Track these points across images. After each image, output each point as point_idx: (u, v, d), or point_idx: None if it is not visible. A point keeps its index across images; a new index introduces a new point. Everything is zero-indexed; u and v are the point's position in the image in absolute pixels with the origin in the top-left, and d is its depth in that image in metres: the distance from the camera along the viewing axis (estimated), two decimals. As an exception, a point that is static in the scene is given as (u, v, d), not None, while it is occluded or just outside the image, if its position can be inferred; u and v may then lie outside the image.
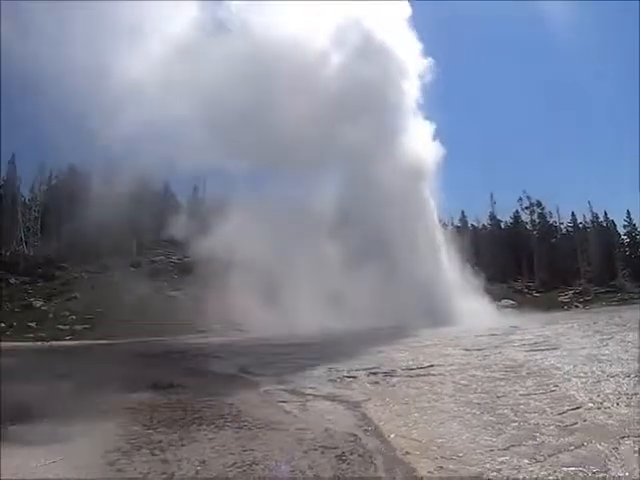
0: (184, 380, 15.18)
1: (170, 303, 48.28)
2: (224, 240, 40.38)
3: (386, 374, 15.63)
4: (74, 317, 46.46)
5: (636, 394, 11.58)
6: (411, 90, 50.72)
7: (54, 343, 34.96)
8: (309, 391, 13.79)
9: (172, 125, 50.19)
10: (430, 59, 52.99)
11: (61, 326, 44.03)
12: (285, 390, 14.16)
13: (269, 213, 43.80)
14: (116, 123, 49.70)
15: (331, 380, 15.23)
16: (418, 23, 55.62)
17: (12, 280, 55.67)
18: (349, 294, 38.88)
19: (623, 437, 8.65)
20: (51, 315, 47.42)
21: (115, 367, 21.01)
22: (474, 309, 38.25)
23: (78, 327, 43.63)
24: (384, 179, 44.15)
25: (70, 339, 39.01)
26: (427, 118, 50.25)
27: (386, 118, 47.32)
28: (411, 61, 51.07)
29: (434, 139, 48.81)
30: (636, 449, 8.07)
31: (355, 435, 9.42)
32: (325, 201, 46.11)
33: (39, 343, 34.79)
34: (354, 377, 15.43)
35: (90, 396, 13.36)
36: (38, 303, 50.36)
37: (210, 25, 52.85)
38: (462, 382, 13.78)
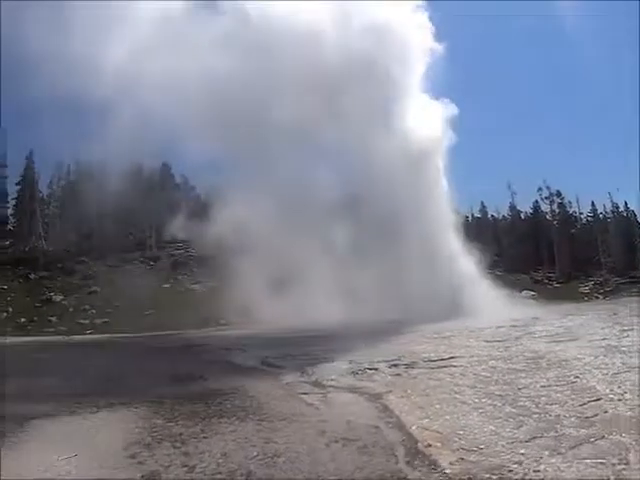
0: (205, 373, 15.25)
1: (190, 296, 48.39)
2: (238, 231, 40.40)
3: (407, 366, 15.64)
4: (94, 311, 46.71)
5: (657, 385, 11.55)
6: (416, 66, 50.05)
7: (75, 337, 35.16)
8: (330, 383, 13.83)
9: (174, 112, 49.75)
10: (440, 42, 52.15)
11: (81, 320, 44.29)
12: (306, 382, 14.22)
13: (278, 200, 43.58)
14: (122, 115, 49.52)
15: (352, 372, 15.21)
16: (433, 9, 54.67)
17: (32, 275, 55.88)
18: (363, 284, 38.63)
19: (645, 428, 8.65)
20: (71, 309, 47.65)
21: (136, 360, 21.23)
22: (494, 300, 38.02)
23: (98, 321, 43.89)
24: (387, 156, 43.94)
25: (90, 333, 39.22)
26: (436, 98, 49.73)
27: (386, 92, 46.88)
28: (417, 37, 50.41)
29: (450, 125, 48.09)
30: (658, 441, 8.06)
31: (377, 427, 9.44)
32: (330, 183, 46.09)
33: (60, 337, 34.98)
34: (375, 369, 15.40)
35: (112, 389, 13.49)
36: (58, 297, 50.57)
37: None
38: (483, 374, 13.77)
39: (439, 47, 51.66)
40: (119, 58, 50.45)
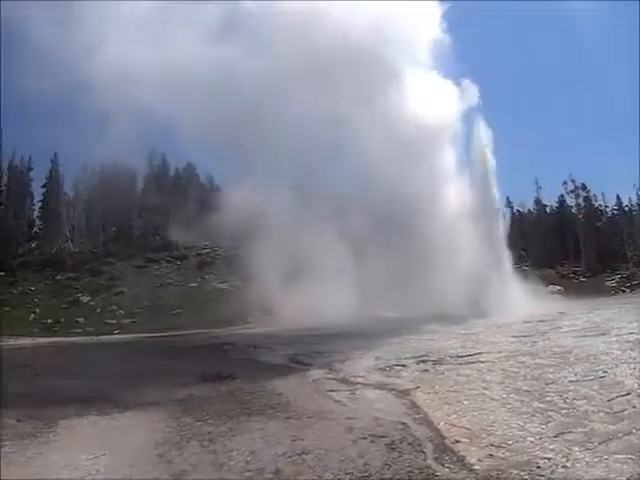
0: (233, 371, 15.23)
1: (217, 295, 48.50)
2: (259, 229, 40.50)
3: (435, 362, 15.63)
4: (122, 311, 46.98)
5: (686, 380, 11.52)
6: (420, 46, 50.04)
7: (102, 337, 35.38)
8: (358, 380, 13.85)
9: (186, 111, 49.95)
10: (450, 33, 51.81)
11: (108, 320, 44.55)
12: (334, 379, 14.30)
13: (294, 196, 43.62)
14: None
15: (379, 368, 15.25)
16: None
17: (59, 277, 56.28)
18: (383, 280, 38.29)
19: (673, 424, 8.64)
20: (98, 310, 47.96)
21: (164, 360, 21.31)
22: (520, 295, 37.83)
23: (126, 321, 44.14)
24: (398, 135, 43.82)
25: (118, 333, 39.43)
26: (447, 77, 49.37)
27: (384, 68, 46.77)
28: (421, 16, 49.92)
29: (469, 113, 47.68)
30: (686, 436, 8.05)
31: (404, 423, 9.47)
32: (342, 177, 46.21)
33: (87, 337, 35.21)
34: (402, 365, 15.43)
35: (141, 388, 13.59)
36: (85, 298, 50.92)
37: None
38: (510, 369, 13.76)
39: (448, 38, 51.43)
40: (128, 58, 50.71)
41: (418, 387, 12.41)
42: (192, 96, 49.26)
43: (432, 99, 46.49)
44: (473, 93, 47.55)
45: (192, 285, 54.10)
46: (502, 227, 44.01)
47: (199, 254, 63.19)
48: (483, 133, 45.46)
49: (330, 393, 12.49)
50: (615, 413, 9.36)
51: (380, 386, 12.93)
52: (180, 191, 68.49)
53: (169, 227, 60.13)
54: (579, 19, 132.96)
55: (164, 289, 52.47)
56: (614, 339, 17.90)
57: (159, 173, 76.14)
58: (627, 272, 63.75)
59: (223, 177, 68.90)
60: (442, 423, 9.38)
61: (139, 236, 66.48)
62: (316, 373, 15.30)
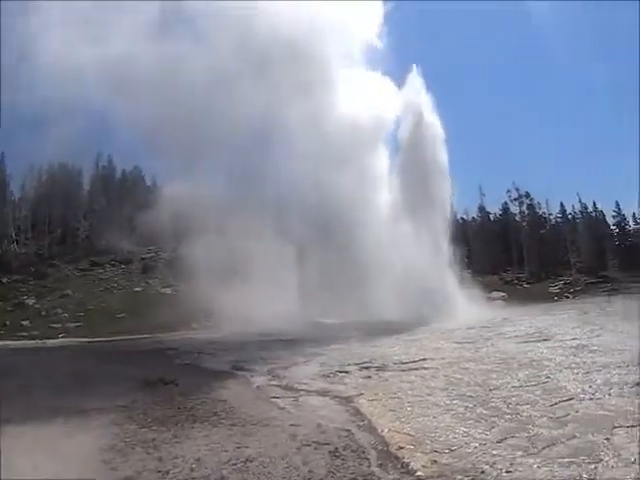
0: (177, 377, 15.15)
1: (161, 299, 48.12)
2: (199, 231, 40.29)
3: (378, 368, 15.71)
4: (66, 315, 46.32)
5: (627, 384, 11.69)
6: (357, 46, 50.59)
7: (48, 341, 34.99)
8: (302, 386, 13.84)
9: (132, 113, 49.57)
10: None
11: (54, 324, 43.93)
12: (278, 386, 14.26)
13: (238, 203, 43.32)
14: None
15: (323, 375, 15.26)
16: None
17: (4, 279, 55.50)
18: (325, 286, 37.96)
19: (615, 427, 8.74)
20: (44, 313, 47.27)
21: (109, 365, 21.08)
22: (464, 301, 38.06)
23: (71, 325, 43.50)
24: (331, 136, 43.98)
25: (63, 337, 38.94)
26: (386, 74, 49.65)
27: (311, 70, 46.68)
28: (359, 17, 50.59)
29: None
30: (628, 439, 8.13)
31: (348, 430, 9.46)
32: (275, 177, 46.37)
33: (32, 341, 34.78)
34: (346, 372, 15.49)
35: (85, 394, 13.40)
36: (31, 301, 50.16)
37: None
38: (454, 375, 13.84)
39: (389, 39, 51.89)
40: (69, 56, 50.23)
41: (362, 394, 12.43)
42: (133, 95, 48.75)
43: (367, 100, 46.78)
44: (418, 85, 48.06)
45: (136, 289, 53.65)
46: (447, 230, 44.25)
47: (143, 258, 62.65)
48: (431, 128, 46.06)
49: (274, 400, 12.45)
50: (558, 418, 9.47)
51: (324, 393, 12.95)
52: (126, 193, 67.95)
53: (114, 230, 59.69)
54: (529, 24, 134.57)
55: (109, 293, 52.00)
56: (557, 345, 18.17)
57: (105, 175, 75.48)
58: (570, 278, 64.49)
59: (166, 179, 68.36)
60: (386, 430, 9.38)
61: (84, 238, 65.86)
62: (260, 379, 15.25)
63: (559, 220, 79.90)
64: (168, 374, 15.59)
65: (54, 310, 47.10)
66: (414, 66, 49.26)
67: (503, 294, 54.33)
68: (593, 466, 7.04)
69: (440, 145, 45.87)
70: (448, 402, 11.03)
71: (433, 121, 46.75)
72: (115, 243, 60.15)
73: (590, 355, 15.48)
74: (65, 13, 52.63)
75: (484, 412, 10.04)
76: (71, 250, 62.78)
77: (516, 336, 21.66)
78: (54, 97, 51.02)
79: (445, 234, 43.63)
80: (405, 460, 7.74)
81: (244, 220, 40.97)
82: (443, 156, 45.88)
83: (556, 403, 10.42)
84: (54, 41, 50.69)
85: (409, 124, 47.38)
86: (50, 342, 34.84)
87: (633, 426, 8.76)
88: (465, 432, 8.90)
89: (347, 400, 11.93)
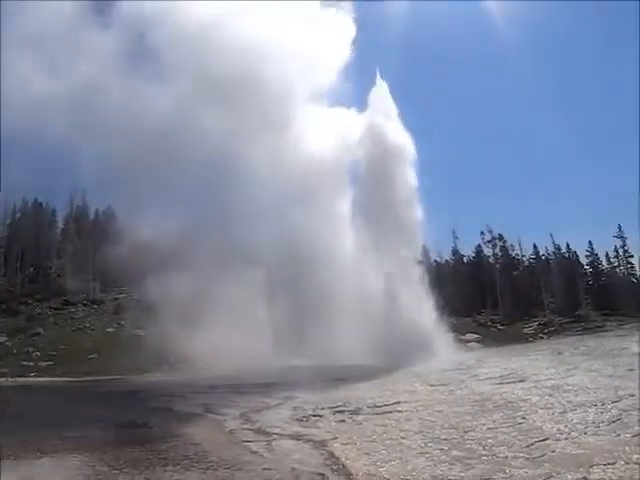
0: (149, 419, 14.97)
1: (133, 341, 47.78)
2: (173, 277, 40.03)
3: (352, 412, 15.55)
4: (38, 353, 45.94)
5: (603, 422, 11.71)
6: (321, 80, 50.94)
7: (18, 379, 34.63)
8: (275, 430, 13.63)
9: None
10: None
11: (25, 362, 43.53)
12: (250, 429, 14.04)
13: (203, 248, 43.22)
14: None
15: (296, 419, 15.09)
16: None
17: (-24, 316, 55.19)
18: (298, 329, 37.95)
19: (592, 466, 8.74)
20: (15, 351, 46.85)
21: (80, 405, 20.86)
22: (438, 343, 38.03)
23: (42, 364, 43.11)
24: (293, 173, 44.19)
25: (34, 376, 38.58)
26: (343, 104, 50.25)
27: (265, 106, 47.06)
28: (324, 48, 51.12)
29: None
30: (606, 477, 8.10)
31: (322, 474, 9.33)
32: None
33: (2, 379, 34.39)
34: (320, 415, 15.31)
35: (57, 434, 13.19)
36: (2, 339, 49.76)
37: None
38: (429, 418, 13.77)
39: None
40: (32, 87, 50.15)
41: (336, 437, 12.28)
42: (95, 130, 48.78)
43: (332, 137, 46.99)
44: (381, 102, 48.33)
45: (108, 330, 53.32)
46: (423, 275, 44.37)
47: (116, 298, 62.44)
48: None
49: (247, 444, 12.25)
50: (534, 458, 9.43)
51: (297, 436, 12.76)
52: (99, 233, 67.75)
53: (87, 269, 59.32)
54: (505, 70, 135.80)
55: (81, 333, 51.72)
56: (532, 385, 18.18)
57: (79, 214, 75.29)
58: (544, 319, 64.70)
59: (135, 218, 67.87)
60: (361, 473, 9.27)
61: (57, 277, 65.50)
62: (232, 423, 15.04)
63: (532, 261, 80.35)
64: (140, 416, 15.43)
65: (25, 348, 46.75)
66: (377, 79, 49.85)
67: (477, 336, 54.47)
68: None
69: (405, 166, 46.11)
70: (423, 445, 10.92)
71: (398, 141, 47.00)
72: (87, 283, 59.88)
73: (565, 395, 15.50)
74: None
75: (459, 454, 9.96)
76: (43, 288, 62.42)
77: (490, 378, 21.64)
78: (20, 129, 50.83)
79: (414, 265, 43.85)
80: (380, 504, 7.65)
81: (213, 260, 40.89)
82: (410, 178, 46.09)
83: (532, 443, 10.38)
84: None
85: (370, 145, 47.75)
86: (21, 380, 34.47)
87: (610, 464, 8.75)
88: (441, 475, 8.82)
89: (321, 444, 11.75)
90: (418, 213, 46.00)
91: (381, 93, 50.65)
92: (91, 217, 76.61)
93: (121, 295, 63.00)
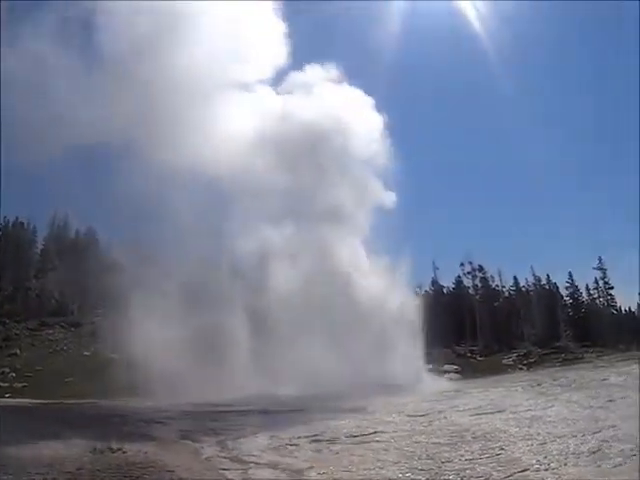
0: (124, 445, 14.72)
1: (110, 364, 47.47)
2: (153, 300, 39.84)
3: (329, 441, 15.44)
4: (14, 375, 45.60)
5: (583, 453, 11.67)
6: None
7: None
8: (251, 459, 13.50)
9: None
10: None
11: (0, 383, 43.21)
12: (227, 457, 13.89)
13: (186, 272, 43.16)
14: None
15: (273, 448, 14.93)
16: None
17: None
18: (280, 358, 37.78)
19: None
20: (-10, 372, 46.53)
21: (55, 429, 20.55)
22: (417, 375, 38.01)
23: (18, 385, 42.79)
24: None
25: (9, 397, 38.27)
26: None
27: None
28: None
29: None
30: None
31: (298, 504, 9.22)
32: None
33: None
34: (296, 445, 15.16)
35: (30, 459, 12.98)
36: (-22, 359, 49.53)
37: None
38: (406, 448, 13.66)
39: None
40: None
41: (312, 467, 12.14)
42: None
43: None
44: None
45: (85, 353, 53.00)
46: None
47: (93, 322, 62.16)
48: None
49: (223, 472, 12.14)
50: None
51: (274, 465, 12.62)
52: (79, 254, 67.42)
53: (66, 291, 59.05)
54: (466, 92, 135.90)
55: (57, 355, 51.44)
56: (511, 416, 18.14)
57: (59, 234, 75.00)
58: (524, 350, 64.76)
59: (114, 240, 67.58)
60: (336, 504, 9.16)
61: (35, 298, 65.15)
62: (209, 450, 14.89)
63: (512, 292, 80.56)
64: (115, 441, 15.21)
65: (1, 369, 46.39)
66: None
67: (456, 367, 54.42)
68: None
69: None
70: (400, 475, 10.84)
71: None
72: (66, 304, 59.61)
73: (544, 426, 15.50)
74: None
75: (437, 486, 9.87)
76: (21, 309, 62.05)
77: (469, 408, 21.57)
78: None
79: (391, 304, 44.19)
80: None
81: (193, 284, 40.82)
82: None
83: (511, 475, 10.34)
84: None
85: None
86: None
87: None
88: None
89: (297, 473, 11.67)
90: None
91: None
92: (72, 237, 76.35)
93: (98, 317, 62.79)
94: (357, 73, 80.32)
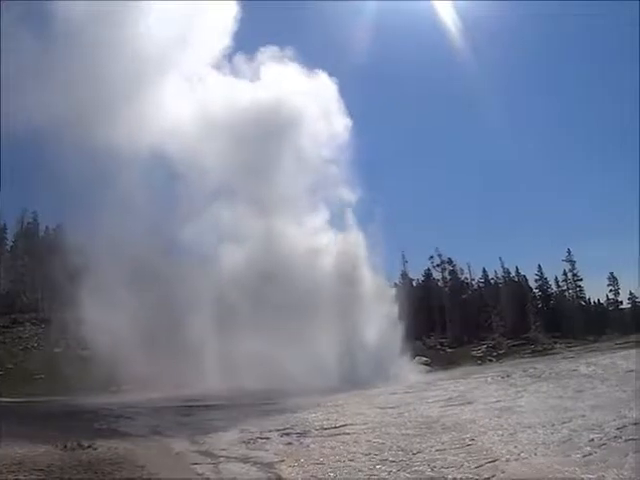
0: (95, 441, 14.60)
1: (81, 361, 47.21)
2: (126, 296, 39.61)
3: (299, 434, 15.47)
4: (-17, 373, 45.27)
5: (553, 442, 11.74)
6: None
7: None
8: (222, 453, 13.47)
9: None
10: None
11: (-31, 382, 42.87)
12: (197, 452, 13.85)
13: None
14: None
15: (243, 441, 14.91)
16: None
17: None
18: (251, 353, 37.40)
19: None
20: (-41, 370, 46.12)
21: (25, 426, 20.41)
22: (386, 367, 37.96)
23: (-13, 383, 42.49)
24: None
25: (-22, 395, 38.01)
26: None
27: None
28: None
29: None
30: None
31: (269, 497, 9.20)
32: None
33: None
34: (267, 438, 15.17)
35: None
36: (-54, 357, 49.08)
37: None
38: (377, 440, 13.68)
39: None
40: None
41: (283, 460, 12.17)
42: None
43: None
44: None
45: (56, 350, 52.60)
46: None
47: (63, 318, 61.77)
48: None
49: (194, 466, 12.11)
50: (484, 479, 9.36)
51: (244, 459, 12.62)
52: (49, 251, 67.00)
53: (36, 288, 58.60)
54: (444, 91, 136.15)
55: (28, 352, 51.00)
56: (480, 407, 18.22)
57: (29, 231, 74.35)
58: (493, 342, 65.07)
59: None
60: (308, 496, 9.15)
61: (5, 295, 64.59)
62: (179, 445, 14.84)
63: (482, 285, 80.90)
64: (85, 438, 15.10)
65: (-30, 367, 46.03)
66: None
67: (426, 359, 54.51)
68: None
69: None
70: (371, 467, 10.85)
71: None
72: (36, 301, 59.20)
73: (514, 416, 15.58)
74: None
75: (408, 476, 9.92)
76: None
77: (439, 400, 21.62)
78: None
79: (362, 295, 44.09)
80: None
81: (149, 273, 40.62)
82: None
83: (481, 465, 10.37)
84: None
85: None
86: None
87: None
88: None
89: (268, 466, 11.66)
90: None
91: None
92: (41, 235, 75.78)
93: (69, 314, 62.45)
94: (318, 59, 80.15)
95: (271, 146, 47.06)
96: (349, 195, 49.12)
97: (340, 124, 51.62)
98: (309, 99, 50.91)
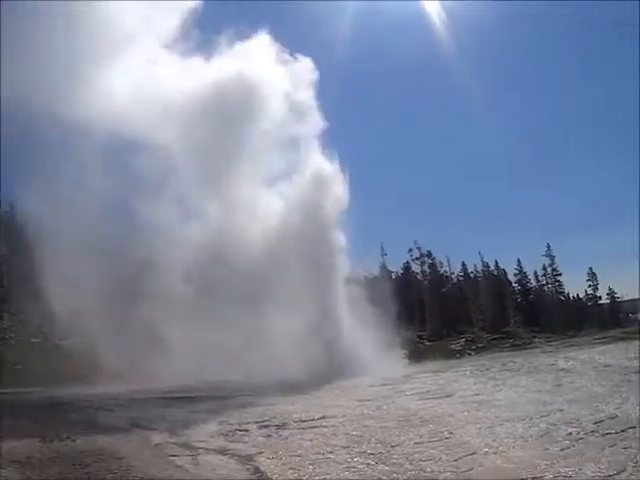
0: (73, 433, 14.53)
1: (59, 352, 46.99)
2: (102, 289, 39.31)
3: (278, 426, 15.45)
4: (-42, 364, 45.04)
5: (531, 436, 11.82)
6: None
7: None
8: (200, 445, 13.42)
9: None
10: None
11: (-56, 373, 42.62)
12: (176, 444, 13.78)
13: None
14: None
15: (222, 434, 14.88)
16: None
17: None
18: (230, 344, 37.05)
19: (521, 479, 8.73)
20: None
21: (3, 418, 20.34)
22: (364, 360, 37.93)
23: (-37, 374, 42.26)
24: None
25: (-46, 386, 37.80)
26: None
27: None
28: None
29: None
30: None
31: (247, 489, 9.20)
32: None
33: None
34: (245, 430, 15.17)
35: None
36: None
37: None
38: (355, 433, 13.71)
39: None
40: None
41: (261, 452, 12.16)
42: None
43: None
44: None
45: (33, 340, 52.40)
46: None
47: (42, 308, 61.52)
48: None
49: (172, 458, 12.05)
50: (462, 472, 9.49)
51: (223, 451, 12.61)
52: (28, 240, 66.67)
53: (14, 278, 58.41)
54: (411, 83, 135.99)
55: (4, 343, 50.59)
56: (459, 400, 18.33)
57: (7, 219, 73.88)
58: (472, 335, 65.33)
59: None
60: (286, 488, 9.16)
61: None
62: (158, 437, 14.74)
63: (461, 279, 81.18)
64: (64, 429, 15.03)
65: (-55, 359, 45.77)
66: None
67: (404, 352, 54.59)
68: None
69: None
70: (349, 459, 10.85)
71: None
72: (15, 291, 58.96)
73: (493, 410, 15.69)
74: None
75: (386, 469, 9.91)
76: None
77: (417, 393, 21.72)
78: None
79: (338, 285, 43.97)
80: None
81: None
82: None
83: (460, 458, 10.41)
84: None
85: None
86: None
87: (538, 477, 8.81)
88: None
89: (247, 458, 11.63)
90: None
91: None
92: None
93: (41, 304, 62.23)
94: (297, 42, 79.67)
95: (234, 125, 46.41)
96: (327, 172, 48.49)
97: (311, 104, 50.90)
98: (279, 80, 50.19)
